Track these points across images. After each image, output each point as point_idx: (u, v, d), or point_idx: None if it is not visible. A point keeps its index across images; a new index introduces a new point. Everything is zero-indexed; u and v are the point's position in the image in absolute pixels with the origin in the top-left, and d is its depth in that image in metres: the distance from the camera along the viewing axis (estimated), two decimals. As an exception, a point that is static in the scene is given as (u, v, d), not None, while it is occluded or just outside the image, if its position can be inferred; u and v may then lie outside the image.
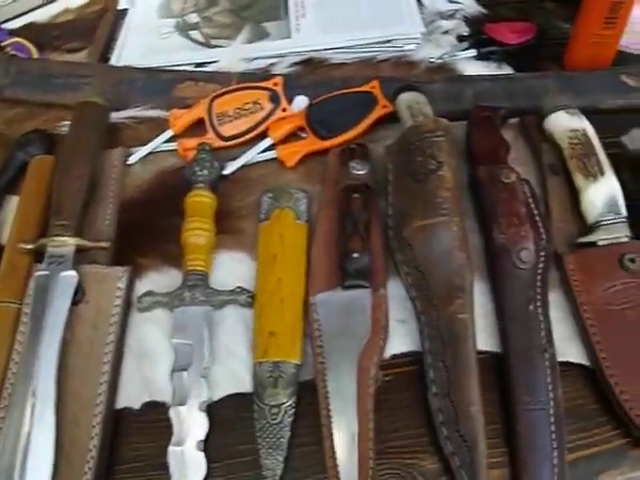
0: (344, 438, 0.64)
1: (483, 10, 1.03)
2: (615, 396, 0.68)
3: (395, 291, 0.74)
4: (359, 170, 0.77)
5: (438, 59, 0.92)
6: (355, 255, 0.72)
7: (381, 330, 0.70)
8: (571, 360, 0.72)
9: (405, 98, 0.81)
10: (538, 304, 0.72)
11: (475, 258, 0.75)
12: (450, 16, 0.99)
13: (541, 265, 0.74)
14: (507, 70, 0.94)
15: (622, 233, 0.75)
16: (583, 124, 0.79)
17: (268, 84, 0.88)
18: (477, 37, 0.96)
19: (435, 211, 0.72)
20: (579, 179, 0.77)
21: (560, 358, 0.71)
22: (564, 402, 0.69)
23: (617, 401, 0.68)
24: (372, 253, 0.74)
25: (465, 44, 0.95)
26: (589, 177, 0.76)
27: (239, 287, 0.74)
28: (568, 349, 0.72)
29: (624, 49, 0.98)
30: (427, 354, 0.69)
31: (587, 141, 0.78)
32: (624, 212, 0.76)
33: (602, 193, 0.76)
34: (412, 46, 0.94)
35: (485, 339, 0.72)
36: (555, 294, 0.75)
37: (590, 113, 0.88)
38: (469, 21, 1.02)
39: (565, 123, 0.80)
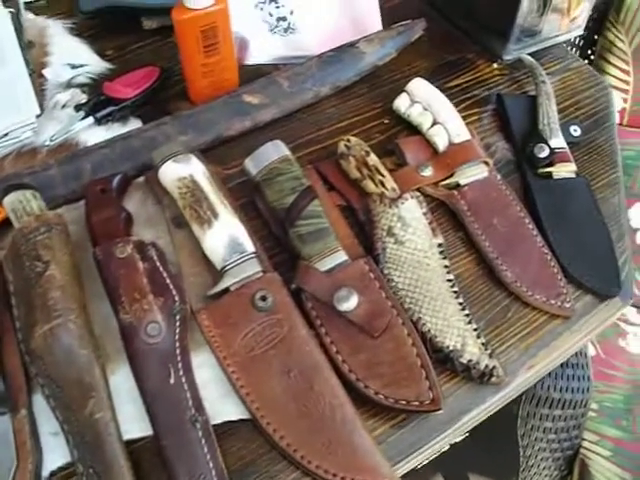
0: None
1: (110, 65, 0.98)
2: (277, 444, 0.66)
3: (43, 404, 0.70)
4: (-26, 292, 0.72)
5: (52, 140, 0.87)
6: (-14, 384, 0.68)
7: (28, 454, 0.67)
8: (229, 418, 0.70)
9: (8, 201, 0.77)
10: (180, 373, 0.70)
11: (117, 342, 0.73)
12: (68, 86, 0.93)
13: (178, 331, 0.72)
14: (136, 126, 0.89)
15: (252, 271, 0.73)
16: (190, 169, 0.76)
17: None
18: (95, 101, 0.90)
19: (50, 314, 0.69)
20: (196, 229, 0.74)
21: (218, 420, 0.70)
22: (236, 462, 0.68)
23: (280, 448, 0.66)
24: (9, 374, 0.71)
25: (82, 113, 0.89)
26: (204, 224, 0.73)
27: None
28: (224, 408, 0.71)
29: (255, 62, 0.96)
30: (77, 463, 0.66)
31: (196, 186, 0.75)
32: (250, 248, 0.74)
33: (220, 236, 0.74)
34: (29, 133, 0.88)
35: (141, 425, 0.69)
36: (205, 354, 0.71)
37: (220, 145, 0.85)
38: (96, 82, 0.96)
39: (173, 173, 0.77)
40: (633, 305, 1.49)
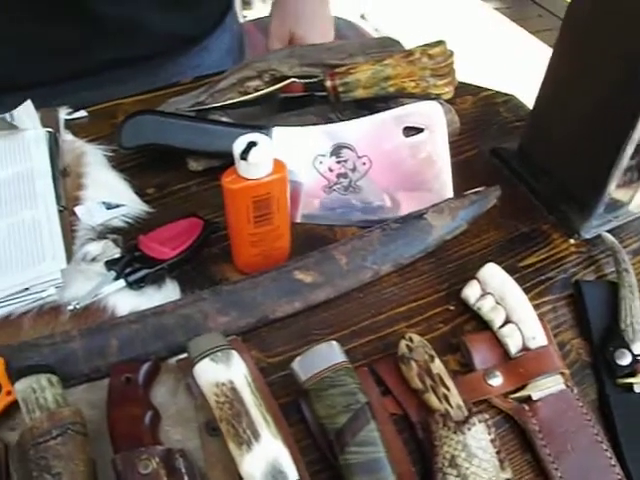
0: None
1: (148, 208, 0.87)
2: None
3: None
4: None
5: (77, 306, 0.76)
6: None
7: None
8: None
9: (20, 388, 0.67)
10: None
11: None
12: (101, 231, 0.82)
13: None
14: (173, 290, 0.78)
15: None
16: (230, 373, 0.66)
17: None
18: (128, 259, 0.79)
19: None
20: (233, 448, 0.63)
21: None
22: None
23: None
24: None
25: (112, 274, 0.78)
26: (242, 445, 0.63)
27: None
28: None
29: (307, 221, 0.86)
30: None
31: (236, 397, 0.64)
32: (293, 476, 0.62)
33: (259, 462, 0.63)
34: (52, 290, 0.78)
35: None
36: None
37: (262, 327, 0.74)
38: (132, 227, 0.85)
39: (210, 375, 0.66)
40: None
